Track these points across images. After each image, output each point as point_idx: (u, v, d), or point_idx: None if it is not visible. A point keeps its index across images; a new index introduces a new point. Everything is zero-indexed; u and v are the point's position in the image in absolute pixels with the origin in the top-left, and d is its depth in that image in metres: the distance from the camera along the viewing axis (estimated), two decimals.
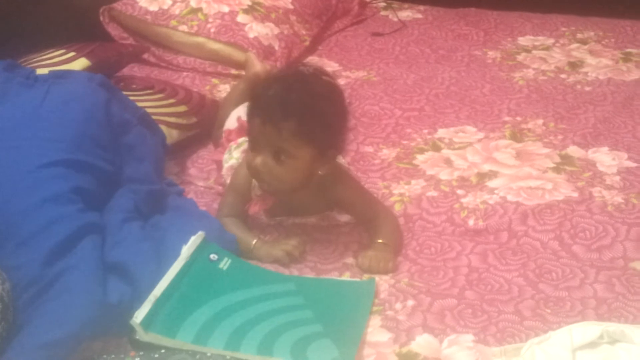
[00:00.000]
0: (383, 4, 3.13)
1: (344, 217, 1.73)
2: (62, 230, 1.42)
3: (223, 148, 1.88)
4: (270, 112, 1.52)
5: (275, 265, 1.59)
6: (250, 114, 1.58)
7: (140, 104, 1.90)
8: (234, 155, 1.80)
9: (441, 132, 2.12)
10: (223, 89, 2.36)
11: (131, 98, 1.90)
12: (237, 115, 1.91)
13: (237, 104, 2.05)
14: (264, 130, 1.53)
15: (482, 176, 1.88)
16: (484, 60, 2.61)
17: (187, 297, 1.42)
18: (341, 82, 2.42)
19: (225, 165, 1.80)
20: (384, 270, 1.55)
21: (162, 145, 1.86)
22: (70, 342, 1.27)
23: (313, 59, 2.64)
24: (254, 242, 1.61)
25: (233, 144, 1.83)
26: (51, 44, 2.13)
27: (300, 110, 1.51)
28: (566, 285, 1.51)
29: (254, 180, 1.67)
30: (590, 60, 2.58)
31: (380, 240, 1.61)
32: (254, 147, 1.57)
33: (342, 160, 1.80)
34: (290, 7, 2.71)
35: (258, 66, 2.27)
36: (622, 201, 1.76)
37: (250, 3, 2.61)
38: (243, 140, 1.81)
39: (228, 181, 1.76)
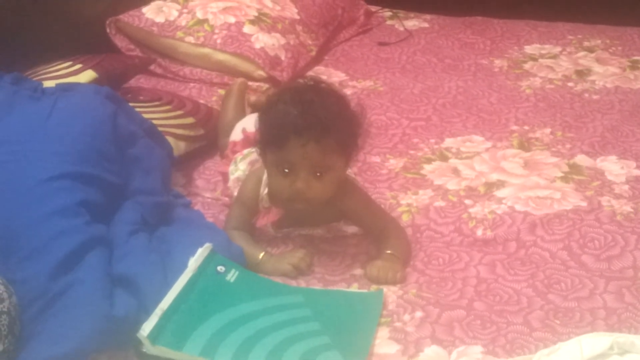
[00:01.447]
0: (389, 14, 3.12)
1: (351, 229, 1.72)
2: (69, 243, 1.42)
3: (228, 160, 1.87)
4: (308, 133, 1.51)
5: (283, 277, 1.58)
6: (280, 140, 1.54)
7: (147, 116, 1.91)
8: (239, 167, 1.79)
9: (448, 142, 2.12)
10: None
11: (139, 110, 1.90)
12: (242, 127, 1.91)
13: (235, 114, 2.06)
14: (305, 152, 1.52)
15: (490, 186, 1.88)
16: (490, 69, 2.60)
17: (195, 310, 1.41)
18: (348, 92, 2.43)
19: (232, 177, 1.80)
20: (391, 281, 1.55)
21: (168, 157, 1.86)
22: (76, 355, 1.27)
23: (319, 69, 2.64)
24: (260, 256, 1.61)
25: (239, 156, 1.83)
26: (58, 56, 2.13)
27: (335, 123, 1.53)
28: (575, 295, 1.50)
29: (261, 192, 1.67)
30: (597, 68, 2.57)
31: (388, 251, 1.61)
32: (290, 171, 1.55)
33: (349, 170, 1.80)
34: (297, 17, 2.72)
35: (252, 99, 2.23)
36: (632, 210, 1.75)
37: (256, 14, 2.61)
38: (248, 151, 1.81)
39: (234, 193, 1.76)
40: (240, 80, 2.24)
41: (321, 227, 1.71)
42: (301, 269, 1.59)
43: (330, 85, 1.66)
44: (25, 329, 1.31)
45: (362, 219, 1.70)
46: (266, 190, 1.67)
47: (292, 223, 1.71)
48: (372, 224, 1.69)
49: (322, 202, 1.61)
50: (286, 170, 1.56)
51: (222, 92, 2.39)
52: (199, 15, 2.56)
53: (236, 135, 1.93)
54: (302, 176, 1.54)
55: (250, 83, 2.36)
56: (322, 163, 1.54)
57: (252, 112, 2.15)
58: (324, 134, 1.52)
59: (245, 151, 1.83)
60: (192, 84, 2.45)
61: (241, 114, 2.09)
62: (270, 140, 1.57)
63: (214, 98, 2.36)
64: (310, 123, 1.52)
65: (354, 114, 1.61)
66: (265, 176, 1.66)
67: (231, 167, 1.83)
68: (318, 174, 1.55)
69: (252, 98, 2.23)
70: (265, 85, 2.42)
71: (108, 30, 2.54)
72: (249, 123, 1.88)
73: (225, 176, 1.86)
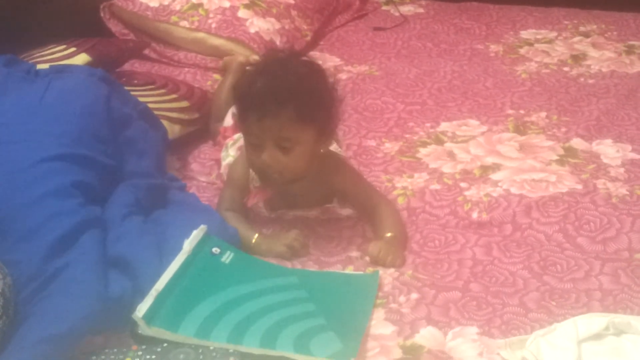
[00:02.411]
0: None
1: (345, 211, 1.72)
2: (63, 225, 1.41)
3: (220, 146, 1.87)
4: (264, 105, 1.50)
5: (278, 259, 1.58)
6: (243, 112, 1.55)
7: (142, 100, 1.89)
8: (230, 152, 1.79)
9: (444, 126, 2.11)
10: None
11: (133, 93, 1.89)
12: (232, 111, 1.90)
13: (227, 99, 2.05)
14: (262, 125, 1.51)
15: (486, 169, 1.87)
16: (486, 54, 2.60)
17: (190, 291, 1.41)
18: (343, 76, 2.43)
19: (223, 163, 1.80)
20: (390, 265, 1.54)
21: (163, 140, 1.85)
22: (71, 336, 1.26)
23: (314, 54, 2.62)
24: (255, 237, 1.60)
25: (229, 141, 1.83)
26: (52, 39, 2.12)
27: (293, 95, 1.50)
28: (571, 277, 1.50)
29: (251, 172, 1.66)
30: (593, 53, 2.57)
31: (389, 234, 1.60)
32: (255, 144, 1.55)
33: (339, 150, 1.79)
34: (291, 1, 2.70)
35: (241, 56, 2.24)
36: (627, 193, 1.75)
37: None
38: (238, 136, 1.80)
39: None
40: (238, 60, 2.22)
41: (315, 209, 1.71)
42: (295, 249, 1.58)
43: (306, 58, 1.63)
44: (20, 310, 1.30)
45: (353, 196, 1.69)
46: None
47: (285, 204, 1.70)
48: (363, 201, 1.68)
49: (297, 176, 1.59)
50: (254, 144, 1.55)
51: (217, 77, 2.38)
52: None
53: (227, 120, 1.92)
54: (267, 149, 1.53)
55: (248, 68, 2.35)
56: (282, 135, 1.52)
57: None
58: (280, 106, 1.49)
59: (236, 136, 1.82)
60: (186, 69, 2.43)
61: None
62: (237, 112, 1.58)
63: (209, 82, 2.35)
64: (266, 95, 1.50)
65: (322, 86, 1.56)
66: None
67: (223, 153, 1.82)
68: (284, 147, 1.53)
69: (241, 58, 2.22)
70: None
71: (102, 14, 2.52)
72: None
73: (218, 162, 1.86)
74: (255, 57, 2.39)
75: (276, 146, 1.53)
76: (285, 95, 1.50)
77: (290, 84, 1.51)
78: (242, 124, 1.57)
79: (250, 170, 1.66)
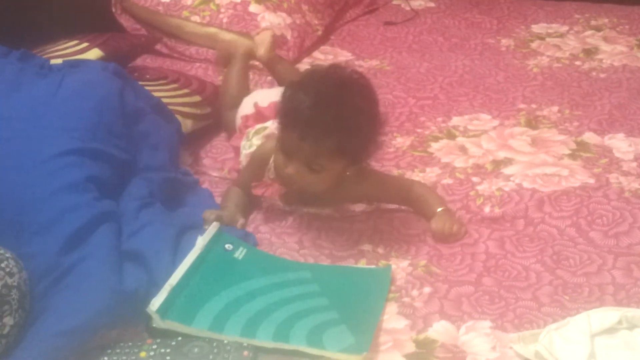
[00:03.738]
0: None
1: (359, 207, 1.72)
2: (78, 219, 1.42)
3: (241, 134, 1.86)
4: (309, 129, 1.48)
5: (291, 253, 1.59)
6: (285, 125, 1.53)
7: (154, 94, 1.90)
8: (253, 142, 1.77)
9: (455, 120, 2.11)
10: None
11: (145, 88, 1.90)
12: (254, 101, 1.89)
13: (239, 85, 2.04)
14: (301, 146, 1.50)
15: (498, 163, 1.87)
16: (497, 48, 2.59)
17: (203, 286, 1.42)
18: None
19: (244, 152, 1.79)
20: (459, 233, 1.59)
21: (177, 133, 1.86)
22: (86, 330, 1.27)
23: (326, 49, 2.63)
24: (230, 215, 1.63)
25: (251, 130, 1.82)
26: (64, 34, 2.13)
27: (340, 129, 1.48)
28: (584, 271, 1.50)
29: (270, 162, 1.66)
30: (604, 47, 2.56)
31: (440, 209, 1.63)
32: (287, 155, 1.54)
33: None
34: None
35: (243, 46, 2.22)
36: (639, 187, 1.75)
37: None
38: (261, 126, 1.80)
39: None
40: (244, 45, 2.20)
41: (329, 208, 1.71)
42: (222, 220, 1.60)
43: (364, 84, 1.56)
44: (36, 304, 1.31)
45: (385, 197, 1.71)
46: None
47: (299, 200, 1.71)
48: (397, 195, 1.70)
49: (316, 190, 1.60)
50: (286, 152, 1.55)
51: None
52: None
53: (248, 109, 1.90)
54: (295, 165, 1.53)
55: (256, 63, 2.35)
56: (315, 161, 1.52)
57: (263, 65, 2.16)
58: (324, 136, 1.48)
59: (258, 126, 1.81)
60: (198, 64, 2.44)
61: (245, 85, 2.08)
62: (280, 119, 1.56)
63: (220, 77, 2.34)
64: (314, 121, 1.48)
65: (373, 121, 1.54)
66: None
67: (243, 142, 1.81)
68: (315, 169, 1.53)
69: (262, 51, 2.18)
70: None
71: (114, 9, 2.53)
72: (262, 97, 1.87)
73: (237, 151, 1.85)
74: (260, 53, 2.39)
75: (304, 165, 1.53)
76: (332, 127, 1.47)
77: (340, 116, 1.48)
78: (280, 132, 1.56)
79: (270, 162, 1.67)
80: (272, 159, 1.66)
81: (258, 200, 1.73)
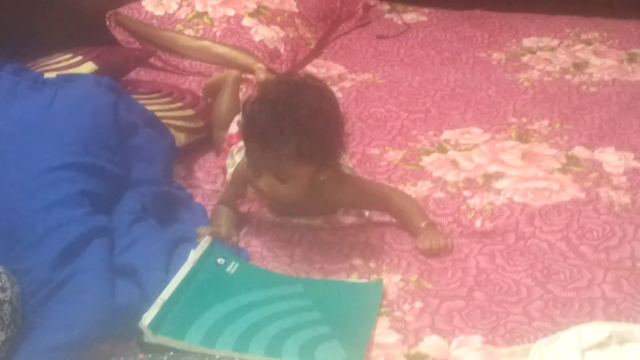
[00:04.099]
0: (387, 7, 3.13)
1: (349, 219, 1.73)
2: (71, 233, 1.42)
3: (225, 153, 1.88)
4: (267, 138, 1.49)
5: (283, 268, 1.59)
6: (247, 137, 1.55)
7: (147, 108, 1.91)
8: (236, 159, 1.80)
9: (447, 134, 2.12)
10: None
11: (139, 102, 1.90)
12: (238, 119, 1.91)
13: (229, 108, 2.06)
14: (262, 156, 1.51)
15: (489, 177, 1.88)
16: (488, 62, 2.61)
17: (195, 300, 1.42)
18: (346, 84, 2.44)
19: (229, 170, 1.81)
20: (446, 247, 1.60)
21: (170, 147, 1.86)
22: (79, 344, 1.28)
23: (318, 62, 2.65)
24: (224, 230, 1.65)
25: (234, 148, 1.84)
26: (58, 48, 2.14)
27: (296, 133, 1.48)
28: (574, 285, 1.51)
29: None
30: (595, 61, 2.58)
31: (423, 223, 1.64)
32: (255, 168, 1.56)
33: (344, 161, 1.80)
34: (296, 10, 2.72)
35: (235, 70, 2.25)
36: (629, 201, 1.75)
37: (255, 6, 2.61)
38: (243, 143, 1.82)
39: None
40: (234, 72, 2.23)
41: (319, 218, 1.72)
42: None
43: (321, 85, 1.59)
44: (28, 318, 1.32)
45: (361, 205, 1.72)
46: None
47: (287, 211, 1.72)
48: (374, 204, 1.71)
49: (292, 201, 1.60)
50: (254, 166, 1.56)
51: None
52: (198, 8, 2.57)
53: (232, 128, 1.94)
54: (264, 177, 1.54)
55: (250, 76, 2.36)
56: (280, 169, 1.52)
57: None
58: (282, 143, 1.48)
59: (241, 143, 1.83)
60: (191, 77, 2.44)
61: (236, 107, 2.10)
62: (242, 133, 1.58)
63: (209, 99, 2.35)
64: (271, 130, 1.49)
65: (332, 122, 1.55)
66: None
67: (228, 160, 1.84)
68: (283, 178, 1.53)
69: (262, 76, 2.22)
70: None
71: (108, 23, 2.54)
72: None
73: (224, 169, 1.87)
74: (260, 66, 2.41)
75: (272, 175, 1.54)
76: (289, 133, 1.48)
77: (296, 121, 1.49)
78: (245, 145, 1.58)
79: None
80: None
81: (247, 215, 1.73)
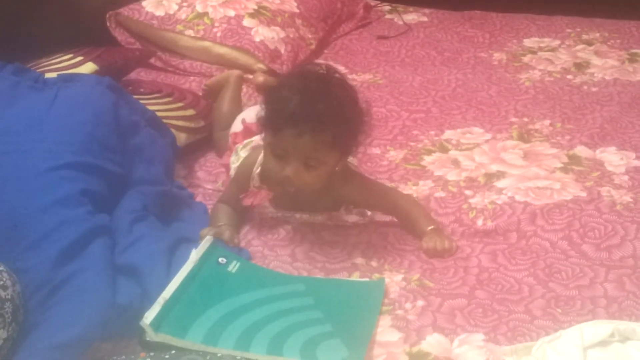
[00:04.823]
0: (388, 7, 3.13)
1: (352, 218, 1.73)
2: (72, 233, 1.42)
3: (230, 151, 1.88)
4: (304, 125, 1.50)
5: (285, 266, 1.59)
6: (277, 126, 1.54)
7: (148, 108, 1.90)
8: (241, 154, 1.80)
9: (448, 134, 2.12)
10: None
11: (139, 102, 1.90)
12: (242, 117, 1.92)
13: (231, 108, 2.06)
14: (297, 143, 1.52)
15: (490, 176, 1.88)
16: (489, 62, 2.61)
17: (197, 299, 1.42)
18: None
19: (233, 167, 1.80)
20: (451, 248, 1.60)
21: (172, 147, 1.86)
22: (80, 343, 1.27)
23: (319, 63, 2.64)
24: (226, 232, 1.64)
25: (239, 146, 1.84)
26: (59, 48, 2.13)
27: (333, 121, 1.51)
28: (576, 284, 1.51)
29: (253, 172, 1.69)
30: (596, 61, 2.58)
31: (430, 227, 1.64)
32: (280, 155, 1.55)
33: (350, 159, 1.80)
34: (296, 10, 2.72)
35: (237, 71, 2.26)
36: (631, 200, 1.75)
37: (256, 7, 2.61)
38: (248, 141, 1.82)
39: None
40: (236, 72, 2.23)
41: (321, 214, 1.72)
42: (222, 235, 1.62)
43: (342, 76, 1.63)
44: (29, 317, 1.31)
45: (368, 203, 1.71)
46: (258, 170, 1.68)
47: (290, 206, 1.71)
48: (379, 205, 1.71)
49: (312, 189, 1.61)
50: (279, 155, 1.56)
51: None
52: (199, 8, 2.57)
53: (236, 126, 1.94)
54: (293, 164, 1.54)
55: (250, 76, 2.36)
56: (313, 155, 1.53)
57: (259, 93, 2.18)
58: (320, 128, 1.51)
59: (246, 141, 1.83)
60: (192, 77, 2.44)
61: (237, 107, 2.10)
62: (268, 123, 1.57)
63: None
64: (307, 115, 1.50)
65: (358, 111, 1.59)
66: (260, 157, 1.67)
67: (232, 158, 1.83)
68: (310, 165, 1.54)
69: (260, 79, 2.23)
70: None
71: (108, 23, 2.54)
72: (249, 114, 1.89)
73: (227, 167, 1.87)
74: (260, 66, 2.41)
75: (302, 163, 1.54)
76: (327, 120, 1.51)
77: (333, 107, 1.52)
78: (272, 135, 1.57)
79: (253, 170, 1.68)
80: (255, 168, 1.68)
81: (248, 213, 1.73)
